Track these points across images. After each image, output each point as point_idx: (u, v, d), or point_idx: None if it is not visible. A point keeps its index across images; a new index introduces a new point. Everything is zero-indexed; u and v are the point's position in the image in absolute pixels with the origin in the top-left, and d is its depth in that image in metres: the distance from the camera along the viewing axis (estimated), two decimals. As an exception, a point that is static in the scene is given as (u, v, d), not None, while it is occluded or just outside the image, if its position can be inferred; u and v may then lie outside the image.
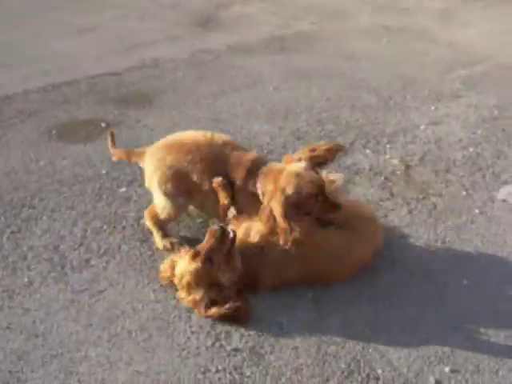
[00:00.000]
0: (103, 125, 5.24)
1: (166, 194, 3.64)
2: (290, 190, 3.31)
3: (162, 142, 3.78)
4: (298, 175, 3.36)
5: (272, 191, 3.38)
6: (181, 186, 3.62)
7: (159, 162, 3.63)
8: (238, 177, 3.52)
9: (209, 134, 3.70)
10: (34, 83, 6.12)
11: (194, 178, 3.57)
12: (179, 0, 9.10)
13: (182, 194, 3.66)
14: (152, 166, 3.67)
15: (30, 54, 6.93)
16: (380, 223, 3.90)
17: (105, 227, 3.99)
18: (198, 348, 3.12)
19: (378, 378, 3.00)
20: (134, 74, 6.30)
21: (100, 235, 3.92)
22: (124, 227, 3.99)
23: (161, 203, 3.69)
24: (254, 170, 3.52)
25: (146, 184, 3.78)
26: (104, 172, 4.56)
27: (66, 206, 4.19)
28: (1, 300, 3.41)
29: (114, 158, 4.04)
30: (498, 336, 3.29)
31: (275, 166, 3.57)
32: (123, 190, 4.37)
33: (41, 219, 4.07)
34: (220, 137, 3.73)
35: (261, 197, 3.48)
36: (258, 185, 3.49)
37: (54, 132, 5.18)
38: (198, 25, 8.02)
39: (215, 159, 3.58)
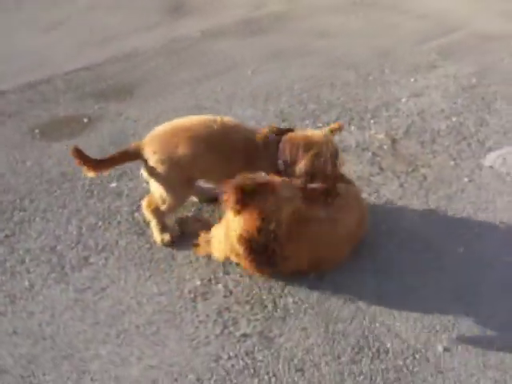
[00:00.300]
0: (85, 120, 5.18)
1: (171, 183, 3.54)
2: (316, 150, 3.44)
3: (164, 128, 3.61)
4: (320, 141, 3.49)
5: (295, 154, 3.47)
6: (187, 175, 3.57)
7: (166, 150, 3.50)
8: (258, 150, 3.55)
9: (213, 118, 3.61)
10: (9, 84, 6.00)
11: (205, 163, 3.53)
12: (148, -12, 9.00)
13: (187, 184, 3.63)
14: (157, 154, 3.49)
15: (0, 53, 6.80)
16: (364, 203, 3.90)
17: (100, 223, 3.97)
18: (207, 337, 3.14)
19: (387, 352, 3.06)
20: (110, 67, 6.23)
21: (96, 232, 3.90)
22: (119, 222, 3.97)
23: (164, 193, 3.58)
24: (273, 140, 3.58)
25: (146, 174, 3.62)
26: (92, 168, 4.51)
27: (58, 206, 4.15)
28: (3, 306, 3.38)
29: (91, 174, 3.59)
30: (498, 301, 3.37)
31: (295, 134, 3.62)
32: (114, 184, 4.34)
33: (34, 221, 4.03)
34: (226, 118, 3.66)
35: (281, 166, 3.52)
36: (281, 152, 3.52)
37: (36, 131, 5.10)
38: (170, 12, 7.93)
39: (227, 141, 3.53)
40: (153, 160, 3.51)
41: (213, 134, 3.50)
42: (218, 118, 3.59)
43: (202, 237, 3.67)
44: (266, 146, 3.56)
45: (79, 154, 3.49)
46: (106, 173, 3.76)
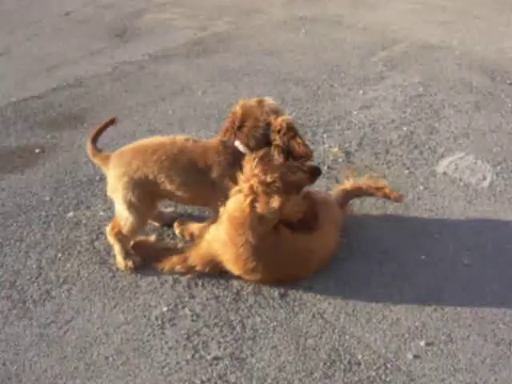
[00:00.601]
0: (37, 150, 5.09)
1: (129, 204, 3.51)
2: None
3: (128, 146, 3.65)
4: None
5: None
6: (148, 193, 3.54)
7: (125, 168, 3.49)
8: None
9: (171, 137, 3.64)
10: (-45, 117, 5.88)
11: (162, 178, 3.49)
12: (91, 14, 8.94)
13: (146, 203, 3.58)
14: (117, 172, 3.51)
15: None
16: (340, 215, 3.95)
17: (59, 255, 3.89)
18: (178, 363, 3.11)
19: (359, 363, 3.07)
20: (59, 95, 6.14)
21: (56, 264, 3.82)
22: (79, 252, 3.90)
23: (125, 214, 3.56)
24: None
25: (109, 193, 3.64)
26: (48, 199, 4.43)
27: (15, 239, 4.05)
28: (-36, 346, 3.29)
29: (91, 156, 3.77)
30: (463, 304, 3.44)
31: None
32: (71, 214, 4.26)
33: (-9, 256, 3.93)
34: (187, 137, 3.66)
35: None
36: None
37: (-13, 164, 5.00)
38: (116, 37, 7.88)
39: (181, 154, 3.51)
40: (113, 176, 3.52)
41: (175, 152, 3.50)
42: (182, 138, 3.61)
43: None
44: (225, 151, 3.55)
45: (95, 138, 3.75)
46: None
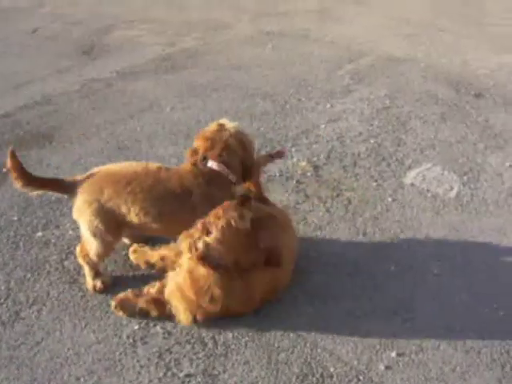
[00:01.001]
0: (4, 170, 5.04)
1: (95, 231, 3.47)
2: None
3: (98, 171, 3.56)
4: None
5: None
6: (113, 223, 3.48)
7: (95, 195, 3.43)
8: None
9: (143, 164, 3.59)
10: None
11: (137, 210, 3.43)
12: (58, 31, 8.90)
13: (113, 232, 3.53)
14: (86, 198, 3.44)
15: None
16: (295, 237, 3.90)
17: (28, 275, 3.85)
18: (150, 381, 3.09)
19: (331, 376, 3.09)
20: (26, 113, 6.09)
21: (25, 284, 3.77)
22: (48, 272, 3.87)
23: (90, 240, 3.52)
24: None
25: (75, 216, 3.56)
26: (15, 219, 4.39)
27: (-17, 260, 4.01)
28: None
29: (28, 191, 3.53)
30: (433, 313, 3.49)
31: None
32: (39, 234, 4.23)
33: (-42, 278, 3.88)
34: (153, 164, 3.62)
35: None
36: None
37: (-47, 184, 4.94)
38: (83, 54, 7.85)
39: (157, 185, 3.47)
40: (82, 201, 3.45)
41: (149, 184, 3.45)
42: (154, 166, 3.57)
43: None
44: (201, 172, 3.55)
45: (15, 160, 3.40)
46: (31, 193, 3.55)
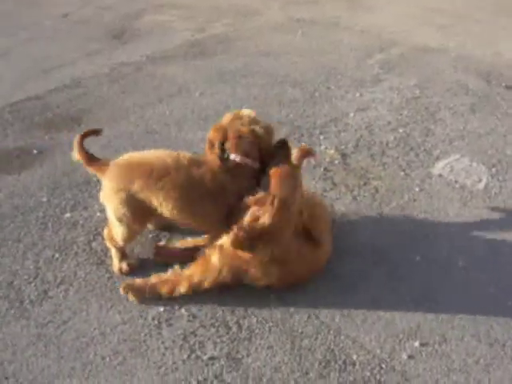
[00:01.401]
0: (35, 152, 5.11)
1: (122, 218, 3.49)
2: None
3: (126, 160, 3.56)
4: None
5: None
6: (141, 213, 3.50)
7: (124, 184, 3.43)
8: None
9: (175, 155, 3.52)
10: (-48, 117, 5.89)
11: (170, 207, 3.43)
12: (89, 16, 8.95)
13: (140, 220, 3.56)
14: (114, 185, 3.45)
15: None
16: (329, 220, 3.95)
17: (57, 256, 3.91)
18: (174, 363, 3.13)
19: (354, 364, 3.10)
20: (57, 96, 6.16)
21: (53, 264, 3.83)
22: (76, 253, 3.92)
23: (116, 225, 3.56)
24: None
25: (102, 200, 3.59)
26: (45, 200, 4.45)
27: (13, 240, 4.06)
28: (-38, 346, 3.30)
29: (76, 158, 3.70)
30: (457, 305, 3.47)
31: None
32: (68, 215, 4.28)
33: (-12, 257, 3.95)
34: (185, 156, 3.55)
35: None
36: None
37: (-16, 165, 5.02)
38: (114, 38, 7.90)
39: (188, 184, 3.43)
40: (110, 188, 3.48)
41: (174, 170, 3.42)
42: (180, 154, 3.54)
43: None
44: (227, 170, 3.51)
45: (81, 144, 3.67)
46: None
